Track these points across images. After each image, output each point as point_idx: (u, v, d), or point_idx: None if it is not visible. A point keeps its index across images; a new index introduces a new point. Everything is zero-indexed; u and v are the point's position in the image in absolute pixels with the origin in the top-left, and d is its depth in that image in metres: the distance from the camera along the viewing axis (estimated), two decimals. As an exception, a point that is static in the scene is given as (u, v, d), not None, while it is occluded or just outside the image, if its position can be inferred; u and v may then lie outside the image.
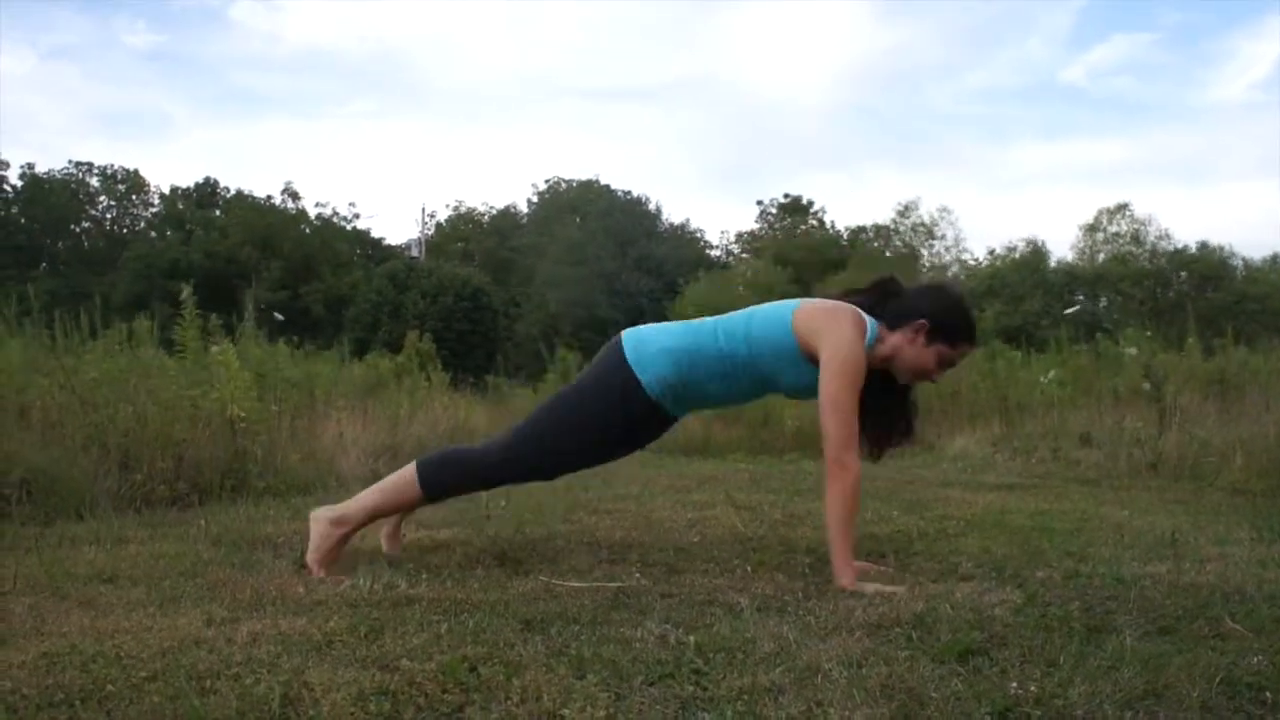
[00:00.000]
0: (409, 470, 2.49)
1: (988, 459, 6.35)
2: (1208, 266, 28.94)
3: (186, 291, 4.58)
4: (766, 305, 2.48)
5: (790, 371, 2.40)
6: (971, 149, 61.53)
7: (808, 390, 2.40)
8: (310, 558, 2.39)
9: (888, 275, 2.56)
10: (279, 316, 6.95)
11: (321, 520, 2.43)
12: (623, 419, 2.46)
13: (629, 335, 2.51)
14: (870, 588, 2.16)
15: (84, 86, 60.43)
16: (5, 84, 52.85)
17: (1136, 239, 32.03)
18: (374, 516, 2.53)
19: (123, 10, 62.13)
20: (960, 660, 1.60)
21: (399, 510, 2.61)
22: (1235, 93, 56.74)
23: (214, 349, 4.58)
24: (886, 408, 2.52)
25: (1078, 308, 28.06)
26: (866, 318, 2.40)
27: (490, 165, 69.18)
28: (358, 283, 32.77)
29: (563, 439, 2.46)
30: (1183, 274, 29.64)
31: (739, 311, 2.50)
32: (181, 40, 60.68)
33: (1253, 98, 55.32)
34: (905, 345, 2.42)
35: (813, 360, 2.36)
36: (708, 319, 2.51)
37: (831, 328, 2.34)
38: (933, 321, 2.40)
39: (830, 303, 2.45)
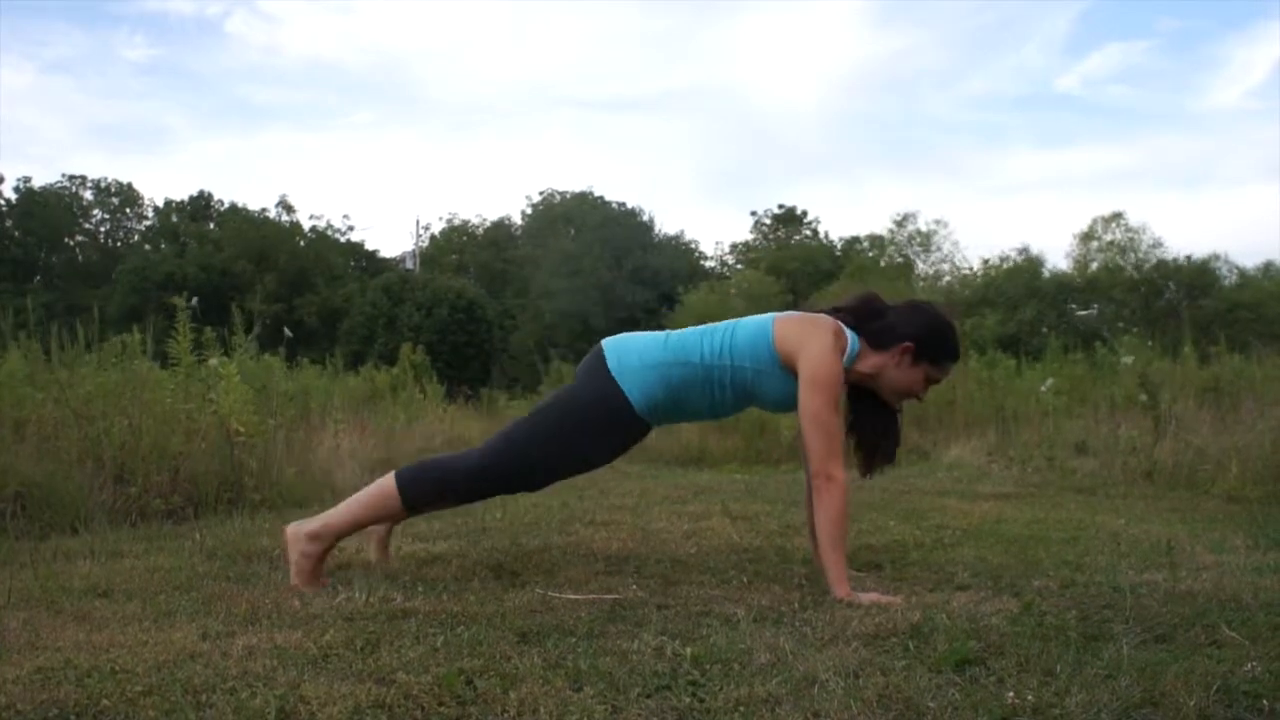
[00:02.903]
0: (388, 481, 2.41)
1: (983, 468, 6.35)
2: (1194, 275, 29.04)
3: (182, 303, 4.56)
4: (749, 317, 2.47)
5: (770, 384, 2.40)
6: (967, 157, 61.62)
7: (788, 403, 2.40)
8: (294, 580, 2.34)
9: (872, 293, 2.53)
10: (288, 333, 6.92)
11: (300, 538, 2.36)
12: (608, 433, 2.44)
13: (610, 348, 2.46)
14: (867, 597, 2.17)
15: (82, 100, 60.46)
16: (4, 98, 52.87)
17: (1130, 247, 32.16)
18: (353, 529, 2.47)
19: (122, 24, 62.17)
20: (957, 670, 1.60)
21: (379, 522, 2.55)
22: (1231, 99, 56.85)
23: (211, 362, 4.57)
24: (878, 428, 2.51)
25: (1093, 311, 28.17)
26: (847, 332, 2.39)
27: (484, 177, 69.14)
28: (352, 295, 32.72)
29: (548, 452, 2.40)
30: (1170, 284, 29.75)
31: (722, 323, 2.49)
32: (179, 53, 60.63)
33: (1249, 104, 55.47)
34: (890, 366, 2.42)
35: (792, 372, 2.36)
36: (690, 329, 2.50)
37: (810, 341, 2.33)
38: (918, 344, 2.40)
39: (810, 315, 2.44)
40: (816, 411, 2.30)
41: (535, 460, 2.41)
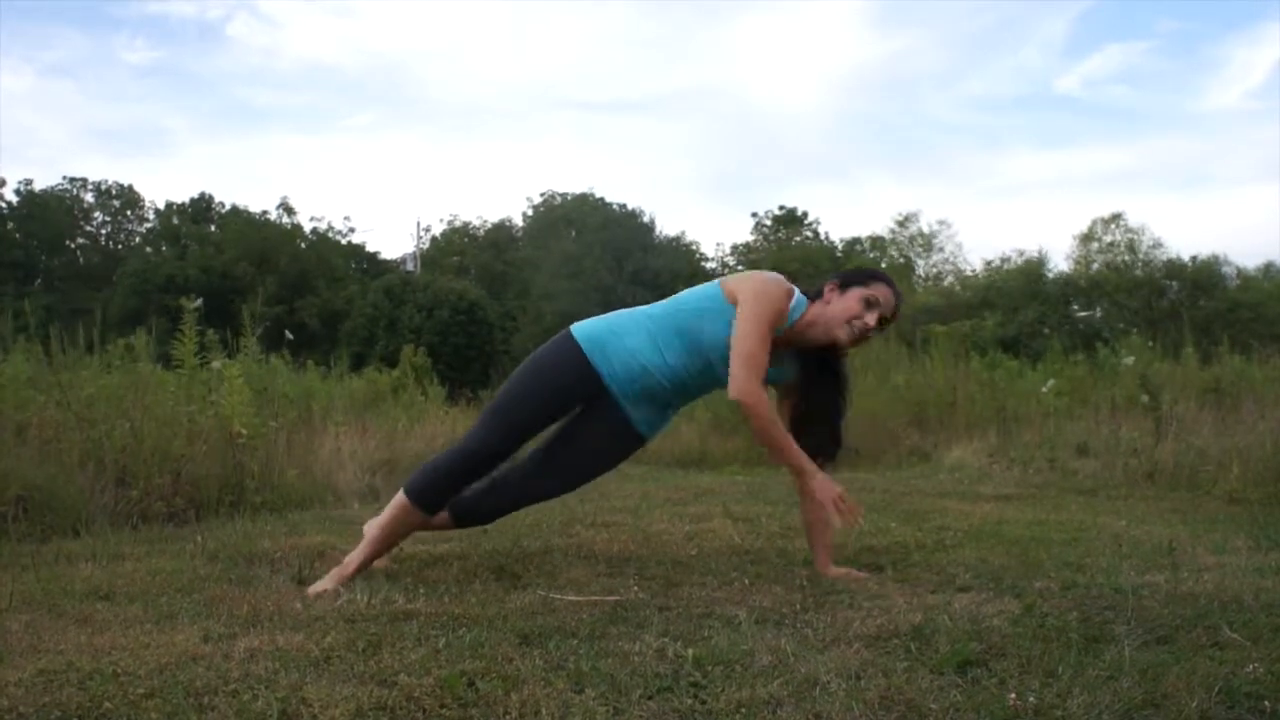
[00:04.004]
0: (398, 496, 2.52)
1: (984, 469, 6.35)
2: (1198, 275, 29.06)
3: (189, 305, 4.55)
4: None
5: (714, 322, 2.50)
6: (967, 158, 61.46)
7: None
8: (324, 585, 2.39)
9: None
10: (289, 335, 6.92)
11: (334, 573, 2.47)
12: (557, 371, 2.54)
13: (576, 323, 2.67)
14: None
15: (82, 102, 60.41)
16: (4, 100, 52.87)
17: (1130, 248, 32.17)
18: (386, 546, 2.57)
19: (122, 27, 62.18)
20: (959, 671, 1.60)
21: (406, 534, 2.62)
22: (1231, 100, 56.74)
23: (214, 364, 4.57)
24: (819, 408, 2.63)
25: (1094, 313, 28.21)
26: (796, 290, 2.55)
27: (485, 178, 69.05)
28: (353, 297, 32.71)
29: (510, 405, 2.52)
30: (1174, 284, 29.76)
31: None
32: (179, 56, 60.63)
33: (1249, 105, 55.36)
34: (824, 307, 2.55)
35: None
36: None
37: (753, 275, 2.52)
38: (841, 278, 2.59)
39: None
40: (743, 329, 2.42)
41: (501, 418, 2.51)
